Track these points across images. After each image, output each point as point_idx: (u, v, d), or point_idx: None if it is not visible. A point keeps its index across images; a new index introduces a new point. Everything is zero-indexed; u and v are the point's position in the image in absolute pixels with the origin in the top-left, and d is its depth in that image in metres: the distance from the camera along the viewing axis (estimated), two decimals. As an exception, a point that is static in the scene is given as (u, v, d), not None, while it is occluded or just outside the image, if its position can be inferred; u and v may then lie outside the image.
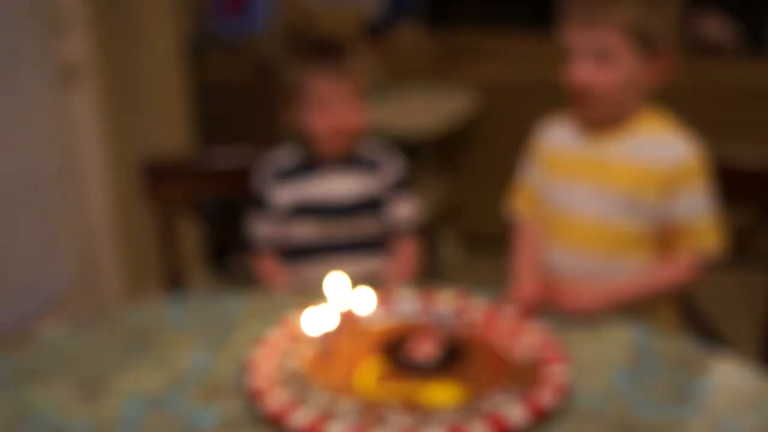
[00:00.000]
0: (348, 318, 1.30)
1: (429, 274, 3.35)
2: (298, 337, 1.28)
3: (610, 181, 1.46)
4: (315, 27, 3.66)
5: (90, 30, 2.77)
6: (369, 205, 1.77)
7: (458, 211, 3.79)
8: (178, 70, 3.20)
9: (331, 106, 1.70)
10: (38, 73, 2.57)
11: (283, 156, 1.83)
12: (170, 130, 3.12)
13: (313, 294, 1.48)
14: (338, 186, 1.76)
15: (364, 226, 1.77)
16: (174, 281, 1.85)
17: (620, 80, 1.41)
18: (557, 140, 1.56)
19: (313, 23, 4.54)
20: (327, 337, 1.24)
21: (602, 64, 1.41)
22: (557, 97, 3.39)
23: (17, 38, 2.48)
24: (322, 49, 1.71)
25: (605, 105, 1.44)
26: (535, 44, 3.65)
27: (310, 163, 1.79)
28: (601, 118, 1.48)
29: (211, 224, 1.90)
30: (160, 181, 1.83)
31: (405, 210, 1.80)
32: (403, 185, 1.80)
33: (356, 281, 1.61)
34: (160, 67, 3.03)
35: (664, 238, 1.47)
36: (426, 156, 3.37)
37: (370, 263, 1.79)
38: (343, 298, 1.31)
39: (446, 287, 1.46)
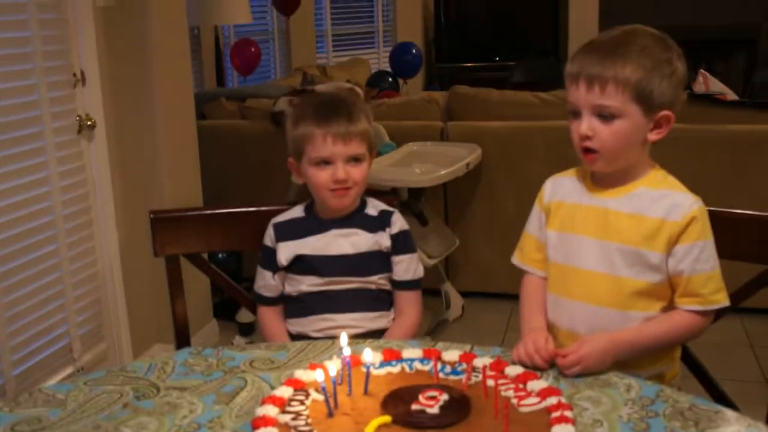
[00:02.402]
0: (355, 374, 1.30)
1: (429, 331, 3.35)
2: (305, 393, 1.28)
3: (615, 237, 1.46)
4: (327, 86, 3.72)
5: (104, 85, 2.82)
6: (371, 262, 1.78)
7: (456, 268, 3.79)
8: (188, 123, 3.24)
9: (336, 163, 1.72)
10: (56, 125, 2.61)
11: (289, 212, 1.84)
12: (180, 182, 3.15)
13: (320, 349, 1.49)
14: (341, 242, 1.77)
15: (366, 283, 1.77)
16: (182, 333, 1.85)
17: (624, 137, 1.42)
18: (563, 194, 1.56)
19: (324, 81, 4.61)
20: (334, 393, 1.24)
21: (607, 122, 1.42)
22: (554, 149, 3.42)
23: (37, 92, 2.52)
24: (332, 109, 1.74)
25: (610, 161, 1.45)
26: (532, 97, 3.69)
27: (315, 219, 1.81)
28: (606, 173, 1.49)
29: (219, 276, 1.90)
30: (169, 232, 1.84)
31: (407, 267, 1.80)
32: (405, 243, 1.81)
33: (360, 337, 1.62)
34: (171, 121, 3.07)
35: (673, 292, 1.47)
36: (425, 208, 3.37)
37: (373, 319, 1.79)
38: (349, 353, 1.31)
39: (449, 343, 1.46)
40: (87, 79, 2.75)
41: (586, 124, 1.43)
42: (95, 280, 2.86)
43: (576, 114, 1.46)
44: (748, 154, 3.33)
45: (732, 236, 1.60)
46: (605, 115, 1.42)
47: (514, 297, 3.56)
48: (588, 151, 1.45)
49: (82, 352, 2.79)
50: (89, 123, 2.75)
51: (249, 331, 3.50)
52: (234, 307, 3.52)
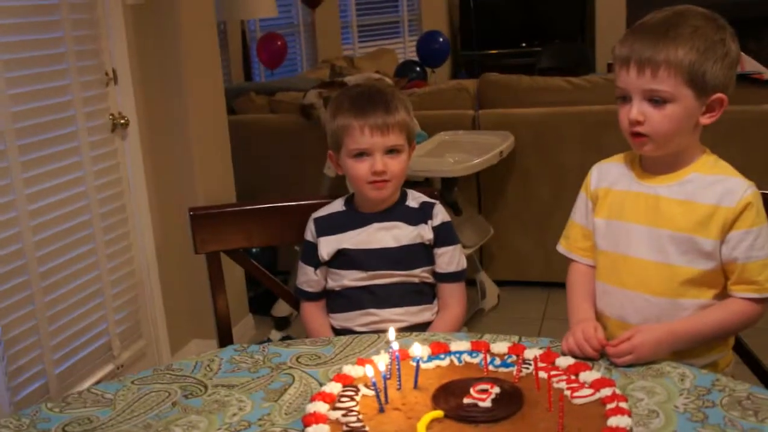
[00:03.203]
0: (404, 368, 1.28)
1: (465, 321, 3.33)
2: (355, 388, 1.26)
3: (667, 224, 1.43)
4: (356, 78, 3.70)
5: (136, 83, 2.83)
6: (413, 255, 1.76)
7: (491, 258, 3.76)
8: (220, 118, 3.24)
9: (374, 155, 1.70)
10: (90, 124, 2.62)
11: (329, 206, 1.83)
12: (213, 177, 3.15)
13: (366, 344, 1.47)
14: (383, 236, 1.75)
15: (409, 276, 1.76)
16: (225, 329, 1.85)
17: (676, 122, 1.39)
18: (611, 181, 1.53)
19: (352, 72, 4.59)
20: (384, 388, 1.23)
21: (658, 106, 1.39)
22: (588, 134, 3.35)
23: (71, 92, 2.53)
24: (370, 100, 1.72)
25: (660, 145, 1.42)
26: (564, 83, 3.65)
27: (355, 213, 1.79)
28: (656, 159, 1.46)
29: (261, 272, 1.89)
30: (209, 229, 1.84)
31: (450, 259, 1.78)
32: (447, 234, 1.79)
33: (406, 330, 1.60)
34: (202, 116, 3.07)
35: (726, 280, 1.44)
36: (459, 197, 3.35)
37: (416, 313, 1.77)
38: (398, 348, 1.30)
39: (497, 335, 1.44)
40: (119, 77, 2.75)
41: (637, 109, 1.40)
42: (132, 278, 2.87)
43: (625, 98, 1.42)
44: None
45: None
46: (657, 100, 1.39)
47: (549, 285, 3.56)
48: (638, 135, 1.42)
49: (122, 349, 2.81)
50: (122, 121, 2.76)
51: (285, 325, 3.50)
52: (269, 301, 3.52)
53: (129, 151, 2.81)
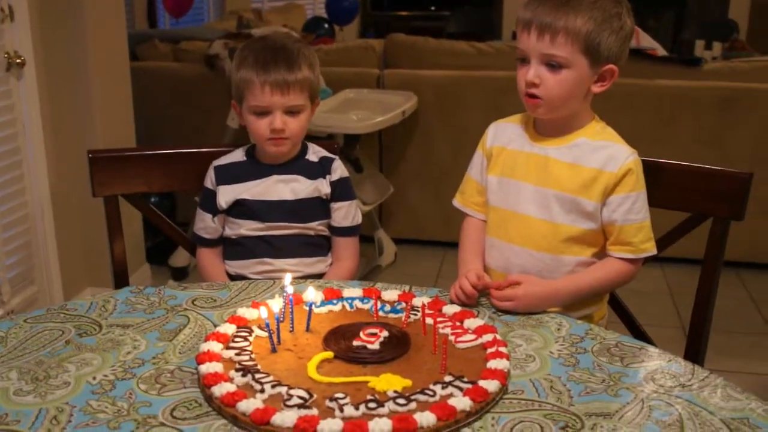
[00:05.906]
0: (297, 312, 1.33)
1: (362, 277, 3.40)
2: (249, 330, 1.30)
3: (554, 184, 1.51)
4: (263, 31, 3.66)
5: (34, 21, 2.74)
6: (310, 208, 1.79)
7: (390, 215, 3.83)
8: (121, 63, 3.18)
9: (274, 113, 1.72)
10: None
11: (230, 155, 1.84)
12: (113, 122, 3.09)
13: (261, 289, 1.51)
14: (281, 188, 1.78)
15: (305, 228, 1.79)
16: (121, 275, 1.85)
17: (569, 87, 1.46)
18: (505, 141, 1.60)
19: (259, 25, 4.54)
20: (277, 330, 1.26)
21: (554, 71, 1.46)
22: (489, 99, 3.43)
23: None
24: (273, 56, 1.71)
25: (552, 109, 1.49)
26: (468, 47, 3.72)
27: (255, 164, 1.81)
28: (548, 122, 1.54)
29: (154, 219, 1.89)
30: (108, 172, 1.82)
31: (346, 214, 1.83)
32: (344, 190, 1.83)
33: (300, 279, 1.64)
34: (103, 59, 3.00)
35: (605, 240, 1.54)
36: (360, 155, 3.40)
37: (311, 264, 1.81)
38: (292, 292, 1.34)
39: (388, 284, 1.50)
40: (15, 14, 2.66)
41: (534, 72, 1.47)
42: (25, 222, 2.81)
43: (524, 61, 1.49)
44: (674, 108, 3.44)
45: (659, 185, 1.66)
46: (553, 64, 1.46)
47: (446, 244, 3.65)
48: (532, 97, 1.48)
49: (12, 295, 2.75)
50: (18, 60, 2.68)
51: (182, 275, 3.49)
52: (167, 252, 3.50)
53: (25, 92, 2.74)
